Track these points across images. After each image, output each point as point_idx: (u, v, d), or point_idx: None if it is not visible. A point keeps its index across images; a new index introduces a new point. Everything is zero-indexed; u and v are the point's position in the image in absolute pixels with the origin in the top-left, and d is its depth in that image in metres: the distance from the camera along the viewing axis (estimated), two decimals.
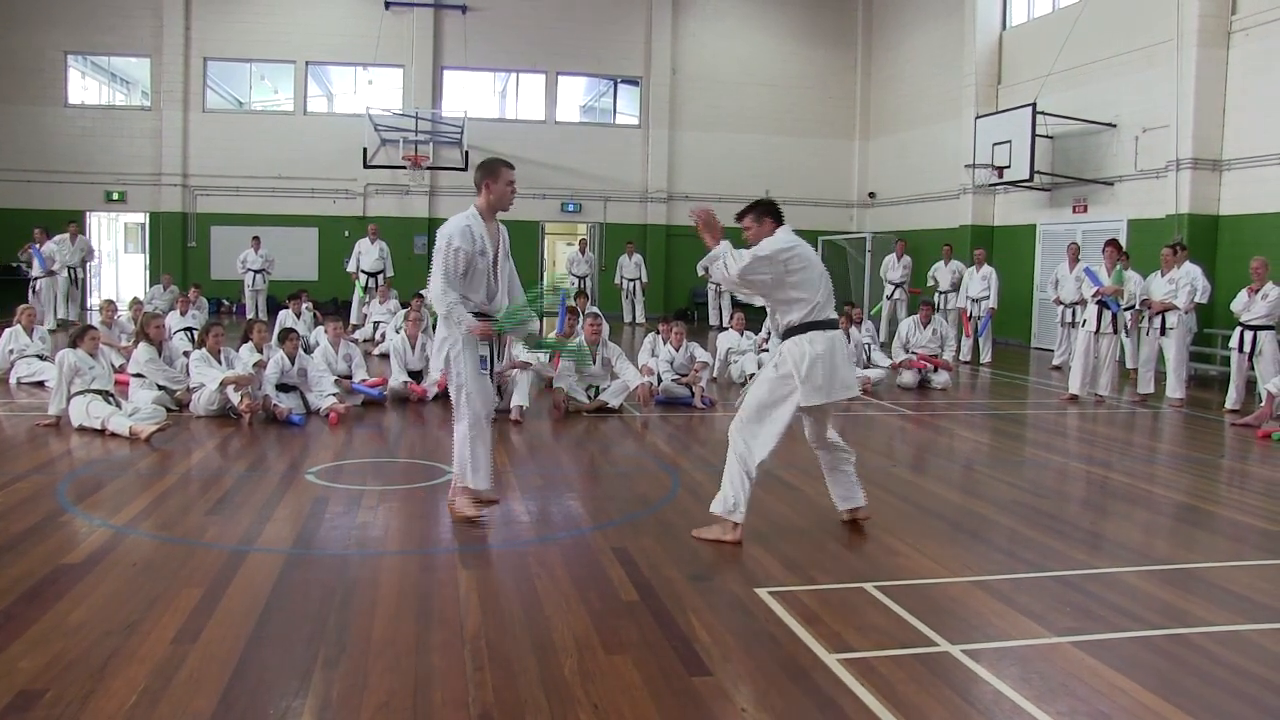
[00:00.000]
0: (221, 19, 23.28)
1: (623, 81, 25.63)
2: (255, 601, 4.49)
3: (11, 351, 11.53)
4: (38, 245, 18.03)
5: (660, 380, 10.98)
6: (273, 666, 3.81)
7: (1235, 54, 14.98)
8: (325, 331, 11.20)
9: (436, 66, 24.26)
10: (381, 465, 7.74)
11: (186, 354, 10.16)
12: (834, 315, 5.72)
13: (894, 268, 19.18)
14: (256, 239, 20.55)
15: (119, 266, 27.07)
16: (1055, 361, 15.70)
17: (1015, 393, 13.31)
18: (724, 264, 5.51)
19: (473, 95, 24.54)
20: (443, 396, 10.74)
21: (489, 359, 5.97)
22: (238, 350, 9.78)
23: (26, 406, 9.92)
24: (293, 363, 9.71)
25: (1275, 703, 3.72)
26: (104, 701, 3.44)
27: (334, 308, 19.83)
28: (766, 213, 5.73)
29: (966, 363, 16.26)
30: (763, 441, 5.56)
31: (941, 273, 17.92)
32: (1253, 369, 11.46)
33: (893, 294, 19.23)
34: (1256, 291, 11.42)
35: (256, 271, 20.32)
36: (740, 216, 5.80)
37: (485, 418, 5.92)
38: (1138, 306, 12.30)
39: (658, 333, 11.58)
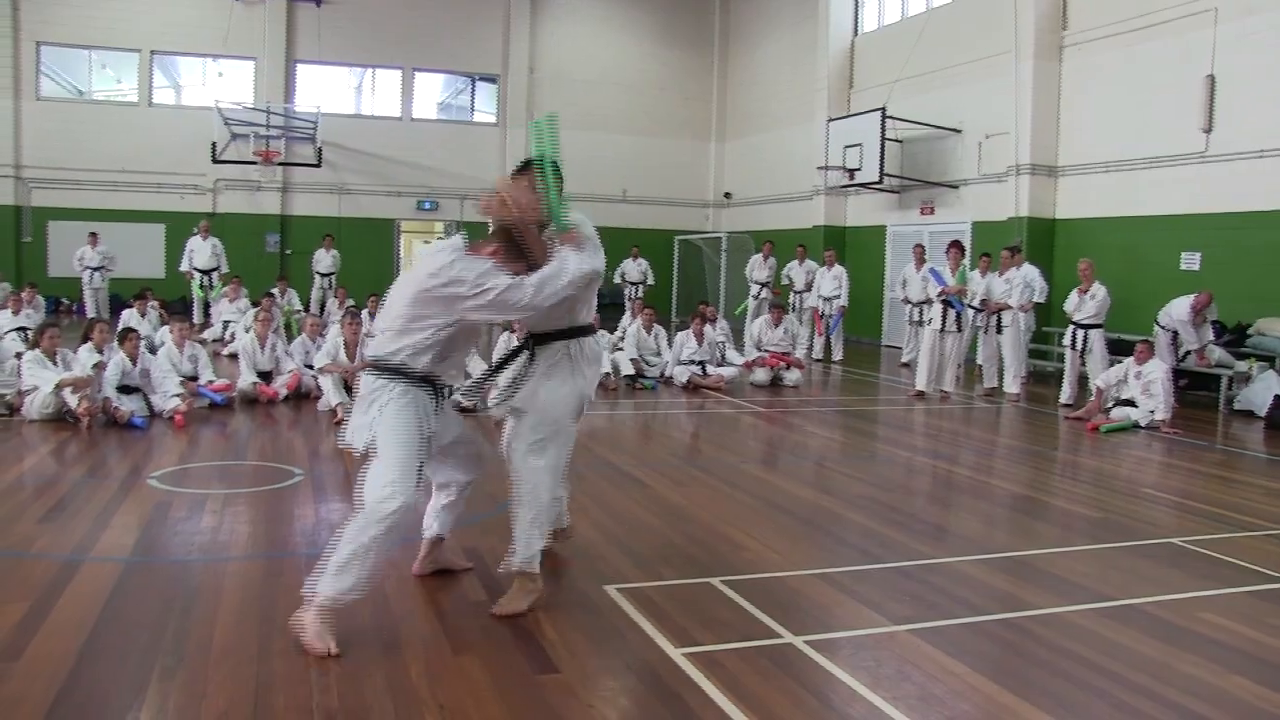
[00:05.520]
0: (55, 1, 22.17)
1: (480, 79, 25.45)
2: (88, 613, 4.31)
3: None
4: None
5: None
6: (105, 680, 3.67)
7: (1067, 66, 15.75)
8: (170, 332, 10.82)
9: (289, 60, 23.64)
10: (229, 468, 7.52)
11: (19, 355, 9.68)
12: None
13: (760, 267, 19.44)
14: (94, 235, 19.69)
15: None
16: (904, 359, 16.22)
17: (865, 389, 13.71)
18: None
19: (327, 90, 24.03)
20: (293, 397, 10.55)
21: None
22: (76, 351, 9.37)
23: None
24: (135, 363, 9.35)
25: (1087, 675, 3.94)
26: None
27: (181, 307, 19.09)
28: None
29: (818, 360, 16.65)
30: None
31: (795, 272, 18.27)
32: (1084, 365, 12.08)
33: (759, 293, 19.54)
34: (1086, 292, 12.02)
35: (95, 269, 19.47)
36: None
37: None
38: (977, 306, 12.79)
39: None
